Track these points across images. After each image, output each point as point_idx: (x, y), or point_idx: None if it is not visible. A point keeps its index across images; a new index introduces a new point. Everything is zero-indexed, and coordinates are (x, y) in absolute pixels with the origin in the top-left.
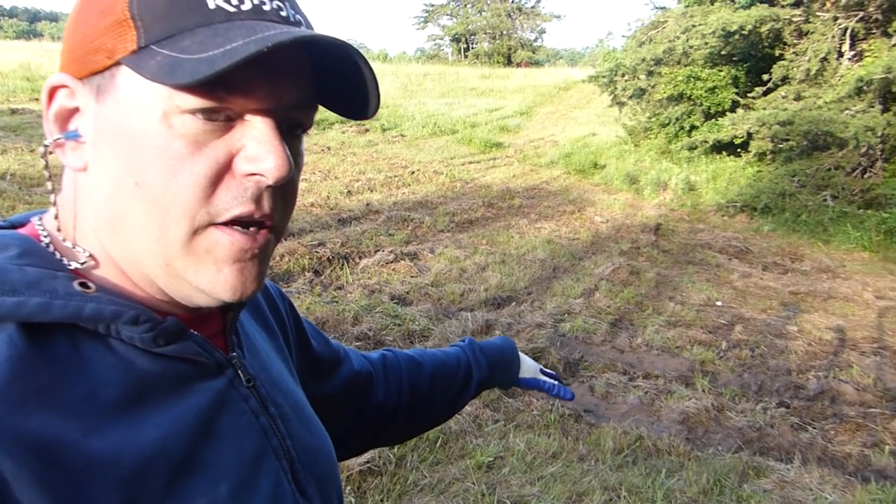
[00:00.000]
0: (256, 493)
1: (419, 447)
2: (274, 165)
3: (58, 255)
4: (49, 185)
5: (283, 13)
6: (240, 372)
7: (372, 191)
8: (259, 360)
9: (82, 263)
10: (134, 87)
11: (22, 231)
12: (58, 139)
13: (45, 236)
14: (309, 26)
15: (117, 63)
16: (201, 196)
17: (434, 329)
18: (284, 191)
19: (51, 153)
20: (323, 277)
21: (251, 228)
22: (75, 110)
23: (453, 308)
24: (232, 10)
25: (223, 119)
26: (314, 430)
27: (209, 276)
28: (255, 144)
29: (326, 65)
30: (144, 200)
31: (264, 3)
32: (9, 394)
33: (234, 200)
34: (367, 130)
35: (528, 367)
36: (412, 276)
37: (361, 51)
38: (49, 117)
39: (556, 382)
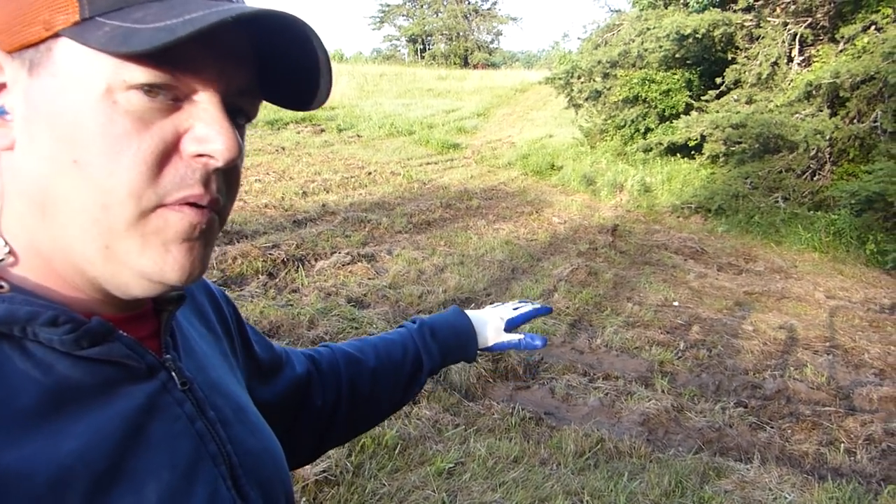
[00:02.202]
0: (191, 502)
1: (377, 454)
2: (224, 147)
3: None
4: None
5: None
6: (174, 374)
7: (328, 192)
8: (197, 362)
9: (0, 259)
10: (74, 59)
11: None
12: None
13: None
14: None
15: (56, 35)
16: (148, 175)
17: None
18: (229, 176)
19: None
20: (277, 280)
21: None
22: (1, 86)
23: (412, 310)
24: None
25: (170, 98)
26: (258, 434)
27: (155, 256)
28: (204, 125)
29: (274, 50)
30: (83, 179)
31: None
32: None
33: (181, 181)
34: (322, 131)
35: (487, 336)
36: (369, 279)
37: None
38: None
39: (519, 337)
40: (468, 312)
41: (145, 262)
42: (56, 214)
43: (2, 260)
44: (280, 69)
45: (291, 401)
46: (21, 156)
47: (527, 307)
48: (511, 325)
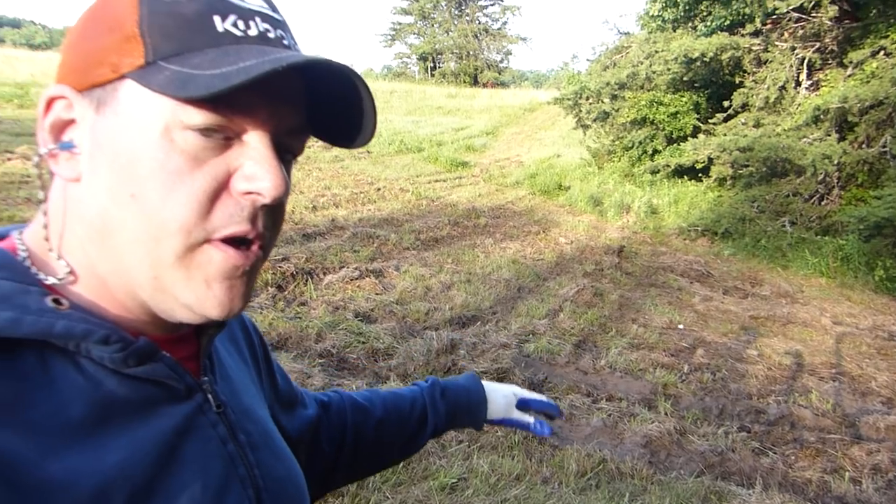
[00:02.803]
0: None
1: None
2: (272, 185)
3: (34, 270)
4: (40, 194)
5: (286, 42)
6: (210, 397)
7: (337, 206)
8: (231, 387)
9: (60, 279)
10: (137, 100)
11: (3, 244)
12: (52, 149)
13: (23, 250)
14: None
15: (121, 77)
16: (199, 212)
17: (398, 347)
18: (275, 212)
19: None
20: (286, 293)
21: (242, 246)
22: (71, 122)
23: (418, 326)
24: (240, 34)
25: (222, 138)
26: (284, 460)
27: (198, 291)
28: (254, 164)
29: (323, 93)
30: (139, 212)
31: (269, 31)
32: None
33: (230, 219)
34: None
35: (499, 407)
36: (377, 294)
37: None
38: (44, 127)
39: (531, 420)
40: (484, 382)
41: (188, 295)
42: (113, 243)
43: (62, 279)
44: (329, 110)
45: (302, 440)
46: (85, 187)
47: (542, 397)
48: (523, 405)
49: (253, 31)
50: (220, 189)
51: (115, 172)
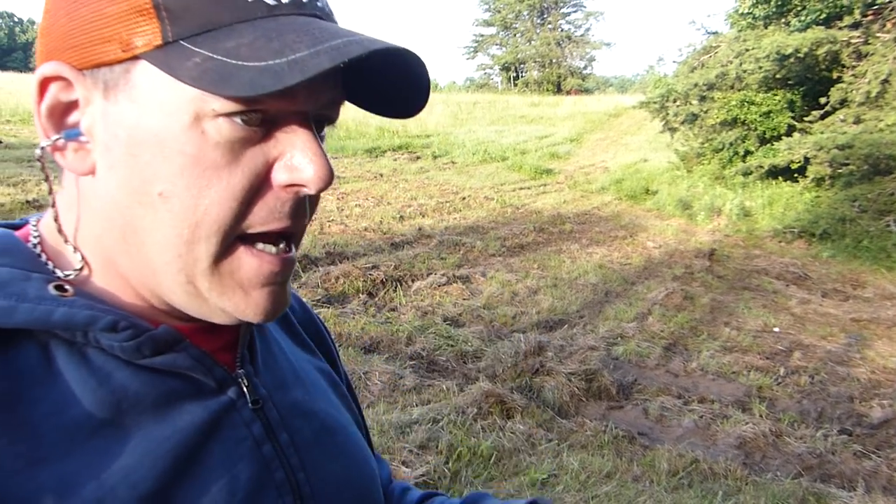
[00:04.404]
0: None
1: (473, 463)
2: (316, 175)
3: (44, 258)
4: (46, 185)
5: (320, 3)
6: (246, 391)
7: (424, 216)
8: (278, 378)
9: (70, 273)
10: (157, 85)
11: (18, 232)
12: (57, 139)
13: (36, 236)
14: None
15: (134, 57)
16: (238, 211)
17: (486, 350)
18: (313, 200)
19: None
20: (377, 299)
21: (281, 244)
22: (73, 104)
23: (505, 330)
24: (272, 2)
25: (258, 123)
26: (344, 460)
27: (236, 299)
28: (297, 152)
29: (372, 70)
30: (168, 213)
31: None
32: None
33: (269, 215)
34: (418, 158)
35: None
36: (464, 299)
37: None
38: (41, 113)
39: None
40: None
41: (226, 303)
42: (138, 244)
43: (72, 274)
44: (370, 79)
45: None
46: (101, 182)
47: None
48: None
49: None
50: (261, 183)
51: (138, 168)
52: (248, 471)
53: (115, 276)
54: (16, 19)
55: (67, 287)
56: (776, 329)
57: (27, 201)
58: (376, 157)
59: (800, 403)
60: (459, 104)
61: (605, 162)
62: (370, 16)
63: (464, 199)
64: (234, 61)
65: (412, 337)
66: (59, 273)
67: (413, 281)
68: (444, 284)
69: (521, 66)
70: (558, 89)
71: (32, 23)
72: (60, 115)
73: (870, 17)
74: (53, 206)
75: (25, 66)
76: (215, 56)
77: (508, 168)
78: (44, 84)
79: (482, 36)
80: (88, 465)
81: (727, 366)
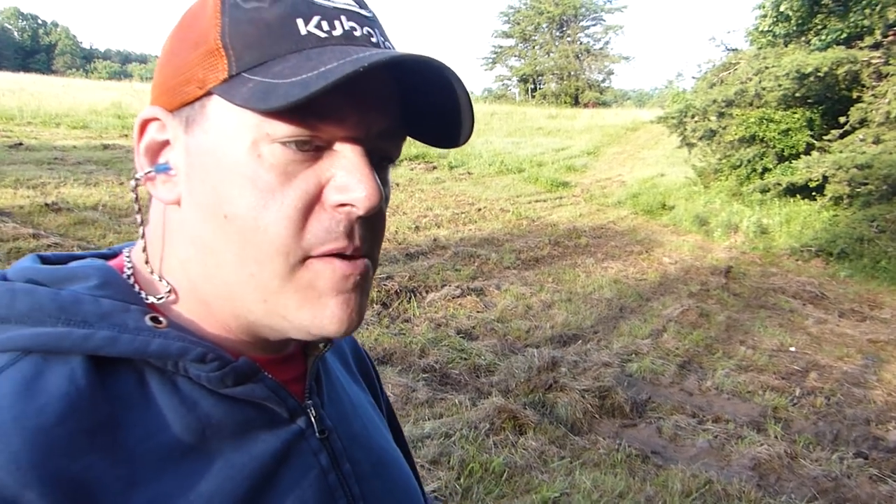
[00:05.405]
0: None
1: (485, 479)
2: (365, 195)
3: (137, 288)
4: (138, 217)
5: (374, 39)
6: (314, 422)
7: (439, 227)
8: (340, 411)
9: (159, 298)
10: (223, 115)
11: (112, 262)
12: (148, 172)
13: (129, 268)
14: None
15: (208, 93)
16: (293, 230)
17: (500, 364)
18: (373, 222)
19: (141, 186)
20: (391, 310)
21: (347, 258)
22: (165, 143)
23: (519, 344)
24: (324, 35)
25: (312, 149)
26: (400, 490)
27: (314, 310)
28: (346, 174)
29: (416, 90)
30: (234, 233)
31: (355, 29)
32: (59, 433)
33: (326, 234)
34: (434, 168)
35: None
36: (478, 312)
37: None
38: (140, 150)
39: None
40: None
41: (304, 316)
42: (217, 265)
43: (162, 298)
44: (423, 109)
45: None
46: (185, 209)
47: None
48: None
49: (338, 31)
50: (313, 203)
51: (209, 193)
52: (314, 498)
53: (198, 303)
54: (39, 21)
55: (161, 319)
56: (792, 349)
57: (46, 204)
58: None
59: (815, 425)
60: (477, 115)
61: (621, 176)
62: (390, 28)
63: (479, 210)
64: (275, 81)
65: (425, 349)
66: (151, 299)
67: (427, 292)
68: (459, 296)
69: (540, 77)
70: (576, 102)
71: (56, 25)
72: (155, 152)
73: (891, 38)
74: (143, 237)
75: (48, 67)
76: (264, 80)
77: (525, 180)
78: (143, 125)
79: (501, 47)
80: (178, 488)
81: (742, 385)
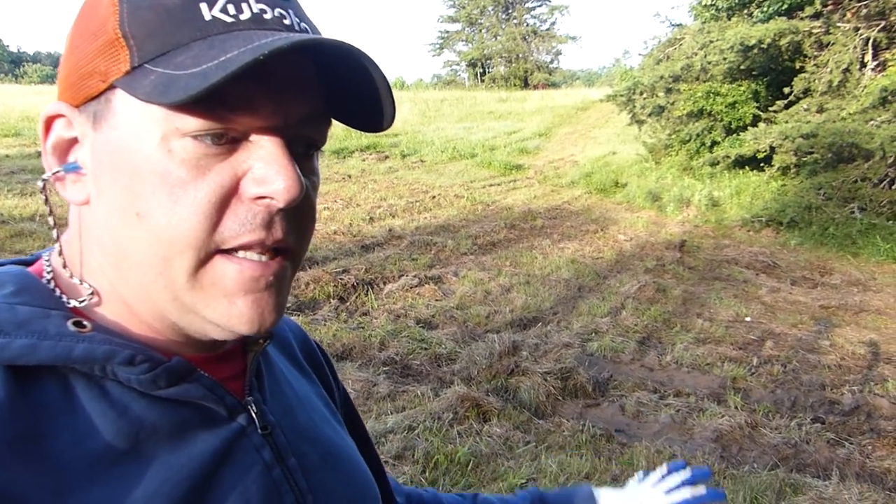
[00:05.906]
0: None
1: (451, 471)
2: (283, 187)
3: (58, 293)
4: (50, 220)
5: (287, 21)
6: (256, 417)
7: (394, 217)
8: (284, 405)
9: (81, 302)
10: (130, 110)
11: (31, 268)
12: (57, 172)
13: (49, 272)
14: (317, 34)
15: (112, 86)
16: (207, 224)
17: (461, 352)
18: (299, 213)
19: (52, 185)
20: (348, 304)
21: (265, 256)
22: (74, 141)
23: (479, 330)
24: (230, 20)
25: (228, 141)
26: (352, 482)
27: (221, 309)
28: (263, 165)
29: (334, 74)
30: (147, 232)
31: (265, 12)
32: None
33: (241, 227)
34: (386, 157)
35: None
36: (437, 300)
37: None
38: (47, 149)
39: (686, 495)
40: (605, 489)
41: (212, 314)
42: (129, 267)
43: (84, 301)
44: (344, 93)
45: None
46: (95, 209)
47: (685, 491)
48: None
49: (245, 15)
50: (229, 196)
51: (120, 191)
52: (259, 494)
53: (122, 305)
54: None
55: (86, 323)
56: (748, 318)
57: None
58: (344, 157)
59: (773, 393)
60: (427, 102)
61: (574, 156)
62: (334, 17)
63: (434, 197)
64: (176, 72)
65: (385, 342)
66: (73, 303)
67: (384, 284)
68: (416, 286)
69: (488, 61)
70: (525, 84)
71: None
72: (63, 150)
73: (830, 7)
74: (58, 240)
75: None
76: (166, 71)
77: (478, 165)
78: (48, 122)
79: (447, 32)
80: (110, 494)
81: (701, 358)
